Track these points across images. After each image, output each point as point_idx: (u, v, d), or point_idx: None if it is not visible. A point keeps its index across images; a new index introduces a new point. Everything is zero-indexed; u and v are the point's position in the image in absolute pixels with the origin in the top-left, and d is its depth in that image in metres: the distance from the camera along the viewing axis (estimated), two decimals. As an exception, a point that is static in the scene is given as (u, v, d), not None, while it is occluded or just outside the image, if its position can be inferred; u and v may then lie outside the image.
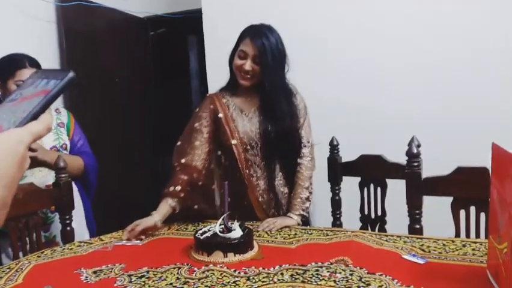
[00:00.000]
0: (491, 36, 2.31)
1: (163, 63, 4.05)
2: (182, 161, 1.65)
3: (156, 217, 1.54)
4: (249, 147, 1.66)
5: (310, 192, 1.65)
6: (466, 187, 1.40)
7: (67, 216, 1.60)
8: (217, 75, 2.93)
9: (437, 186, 1.48)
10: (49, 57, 2.77)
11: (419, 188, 1.49)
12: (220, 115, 1.69)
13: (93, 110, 3.03)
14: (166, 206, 1.57)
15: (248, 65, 1.59)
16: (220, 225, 1.35)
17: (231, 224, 1.35)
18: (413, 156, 1.49)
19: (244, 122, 1.67)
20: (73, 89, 2.87)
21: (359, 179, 1.83)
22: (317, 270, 1.16)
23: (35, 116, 0.49)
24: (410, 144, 1.51)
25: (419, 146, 1.58)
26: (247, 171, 1.66)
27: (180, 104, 4.18)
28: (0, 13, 2.46)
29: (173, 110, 4.07)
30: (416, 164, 1.48)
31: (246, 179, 1.66)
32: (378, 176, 1.74)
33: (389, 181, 1.74)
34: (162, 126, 4.03)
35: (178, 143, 1.72)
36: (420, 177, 1.49)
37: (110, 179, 3.19)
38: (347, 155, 1.86)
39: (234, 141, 1.66)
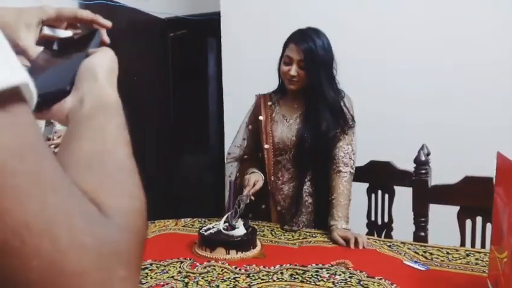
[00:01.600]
0: (504, 42, 2.29)
1: (182, 65, 4.11)
2: (235, 154, 1.79)
3: (258, 172, 1.63)
4: (282, 152, 1.66)
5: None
6: (473, 197, 1.39)
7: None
8: (232, 78, 2.99)
9: (444, 194, 1.47)
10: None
11: (426, 195, 1.48)
12: (261, 117, 1.70)
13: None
14: (256, 169, 1.66)
15: (294, 70, 1.57)
16: (224, 222, 1.37)
17: (235, 222, 1.37)
18: (420, 164, 1.49)
19: (283, 128, 1.67)
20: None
21: (367, 184, 1.83)
22: (317, 271, 1.17)
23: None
24: (419, 152, 1.51)
25: (428, 154, 1.57)
26: (273, 175, 1.66)
27: (197, 106, 4.23)
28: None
29: (190, 111, 4.13)
30: (423, 171, 1.48)
31: (269, 184, 1.66)
32: (386, 182, 1.74)
33: (397, 188, 1.74)
34: (179, 127, 4.09)
35: (233, 139, 1.84)
36: (427, 185, 1.49)
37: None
38: (357, 160, 1.86)
39: (266, 146, 1.67)
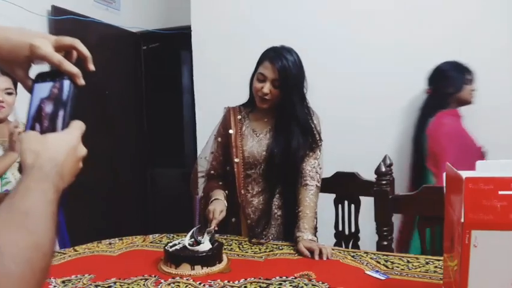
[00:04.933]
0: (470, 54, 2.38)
1: (155, 78, 4.11)
2: (202, 168, 1.80)
3: (221, 199, 1.63)
4: (252, 166, 1.67)
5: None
6: (432, 206, 1.43)
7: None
8: (204, 91, 3.02)
9: (404, 204, 1.51)
10: (41, 69, 2.82)
11: (387, 206, 1.52)
12: (231, 131, 1.71)
13: (82, 121, 3.07)
14: (220, 192, 1.66)
15: (267, 88, 1.58)
16: (190, 238, 1.38)
17: (201, 237, 1.38)
18: (381, 175, 1.53)
19: (254, 142, 1.69)
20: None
21: (334, 195, 1.87)
22: (280, 284, 1.19)
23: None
24: (380, 163, 1.56)
25: (390, 165, 1.62)
26: (243, 189, 1.68)
27: (172, 118, 4.23)
28: (-8, 26, 2.51)
29: (165, 124, 4.12)
30: (384, 182, 1.52)
31: (239, 197, 1.67)
32: (352, 193, 1.78)
33: (364, 198, 1.77)
34: (153, 138, 4.08)
35: (201, 152, 1.85)
36: (388, 196, 1.53)
37: (99, 190, 3.23)
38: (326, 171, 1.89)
39: (236, 160, 1.68)
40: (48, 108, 0.63)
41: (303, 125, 1.62)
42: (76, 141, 0.61)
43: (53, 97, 0.63)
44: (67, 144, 0.59)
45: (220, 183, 1.73)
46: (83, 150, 0.62)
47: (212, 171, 1.77)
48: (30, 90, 0.66)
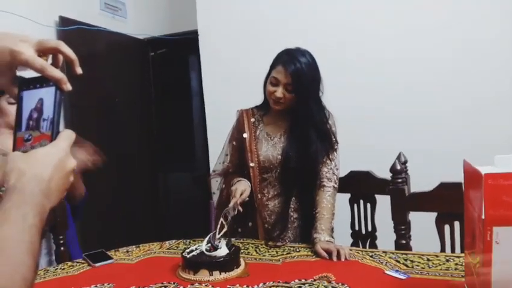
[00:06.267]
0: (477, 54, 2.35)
1: (164, 83, 4.13)
2: (219, 171, 1.78)
3: (244, 180, 1.61)
4: (268, 170, 1.66)
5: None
6: (450, 202, 1.42)
7: (61, 237, 1.64)
8: (213, 95, 3.02)
9: (421, 201, 1.50)
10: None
11: (403, 204, 1.51)
12: (245, 135, 1.69)
13: (92, 130, 3.09)
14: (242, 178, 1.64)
15: (280, 92, 1.56)
16: (207, 243, 1.37)
17: (218, 242, 1.37)
18: (397, 173, 1.51)
19: (268, 146, 1.67)
20: (71, 110, 2.94)
21: (349, 195, 1.85)
22: (300, 287, 1.18)
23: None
24: (395, 161, 1.54)
25: (405, 162, 1.60)
26: (259, 193, 1.66)
27: (181, 122, 4.25)
28: (1, 38, 2.53)
29: (175, 128, 4.14)
30: (400, 180, 1.51)
31: (256, 201, 1.66)
32: (367, 192, 1.76)
33: (380, 196, 1.76)
34: (163, 144, 4.09)
35: (218, 158, 1.82)
36: (404, 194, 1.51)
37: (111, 197, 3.25)
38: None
39: (252, 164, 1.66)
40: (36, 116, 0.60)
41: (320, 128, 1.60)
42: (64, 154, 0.57)
43: (39, 105, 0.61)
44: (53, 159, 0.56)
45: (241, 176, 1.69)
46: (72, 163, 0.59)
47: (230, 170, 1.75)
48: (15, 98, 0.63)
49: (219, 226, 1.39)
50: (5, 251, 0.45)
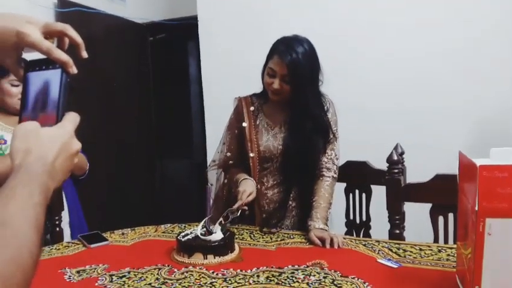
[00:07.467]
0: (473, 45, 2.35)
1: (163, 69, 4.11)
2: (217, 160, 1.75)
3: (250, 179, 1.60)
4: (268, 160, 1.65)
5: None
6: (444, 194, 1.42)
7: (56, 217, 1.64)
8: (212, 80, 3.01)
9: (416, 193, 1.51)
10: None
11: (399, 194, 1.52)
12: (245, 124, 1.66)
13: (91, 114, 3.07)
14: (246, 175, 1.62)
15: (277, 83, 1.53)
16: (202, 228, 1.38)
17: (212, 227, 1.38)
18: (393, 163, 1.52)
19: (269, 136, 1.65)
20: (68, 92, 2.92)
21: (344, 184, 1.86)
22: (293, 272, 1.19)
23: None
24: (392, 152, 1.55)
25: (402, 153, 1.61)
26: (258, 183, 1.65)
27: (179, 108, 4.24)
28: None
29: (173, 114, 4.13)
30: (396, 170, 1.52)
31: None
32: (363, 182, 1.77)
33: (375, 187, 1.77)
34: (161, 130, 4.09)
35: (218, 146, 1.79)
36: (400, 184, 1.52)
37: (108, 182, 3.25)
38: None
39: (252, 154, 1.65)
40: (41, 98, 0.61)
41: (318, 119, 1.58)
42: (69, 136, 0.58)
43: (45, 87, 0.61)
44: (58, 140, 0.56)
45: (243, 170, 1.68)
46: (76, 145, 0.59)
47: (230, 162, 1.73)
48: (21, 79, 0.63)
49: (217, 224, 1.39)
50: (13, 225, 0.45)
